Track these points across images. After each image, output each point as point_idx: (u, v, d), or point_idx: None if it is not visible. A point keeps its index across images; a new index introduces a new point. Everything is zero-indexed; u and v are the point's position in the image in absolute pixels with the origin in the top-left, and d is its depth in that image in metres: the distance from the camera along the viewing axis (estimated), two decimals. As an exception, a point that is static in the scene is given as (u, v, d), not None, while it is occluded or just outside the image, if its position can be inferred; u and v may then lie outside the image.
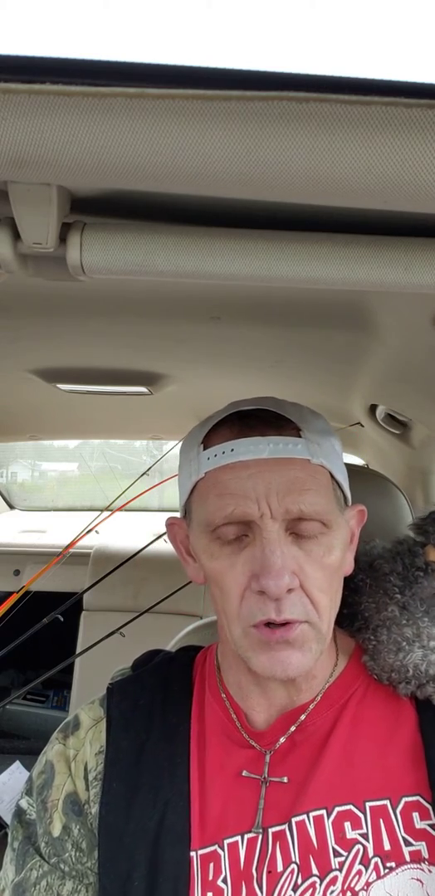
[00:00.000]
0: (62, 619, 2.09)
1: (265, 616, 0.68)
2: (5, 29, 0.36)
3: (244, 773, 0.75)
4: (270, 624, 0.68)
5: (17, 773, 2.12)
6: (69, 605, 2.13)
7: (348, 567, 0.77)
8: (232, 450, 0.71)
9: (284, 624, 0.68)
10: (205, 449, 0.74)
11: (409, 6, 0.37)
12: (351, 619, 0.85)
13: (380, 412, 1.73)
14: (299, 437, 0.72)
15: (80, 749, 0.81)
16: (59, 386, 1.68)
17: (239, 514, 0.69)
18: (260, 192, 0.48)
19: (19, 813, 0.81)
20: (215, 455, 0.72)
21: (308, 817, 0.71)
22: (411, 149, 0.42)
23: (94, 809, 0.76)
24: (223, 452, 0.71)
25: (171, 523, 0.82)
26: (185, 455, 0.78)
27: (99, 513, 2.60)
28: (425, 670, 0.74)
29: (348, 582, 0.87)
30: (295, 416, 0.74)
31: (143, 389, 1.72)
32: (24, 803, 0.81)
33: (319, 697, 0.77)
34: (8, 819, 1.97)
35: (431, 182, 0.44)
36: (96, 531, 2.62)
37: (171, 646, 1.07)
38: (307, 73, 0.37)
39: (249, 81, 0.38)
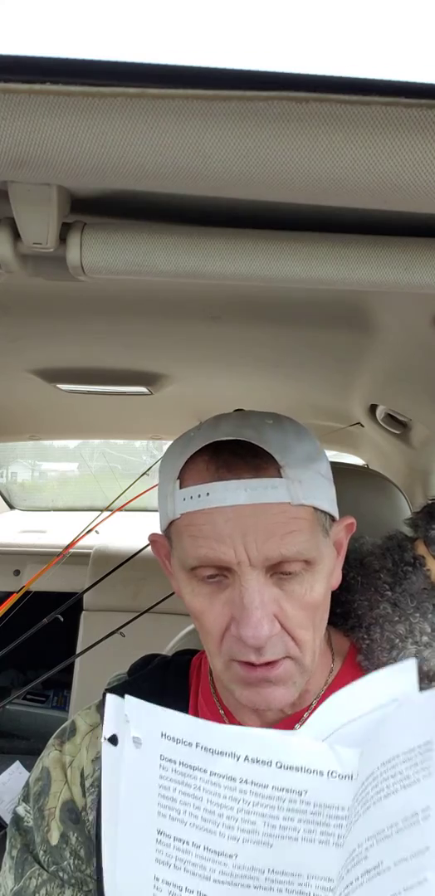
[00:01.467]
0: (62, 619, 2.08)
1: (245, 658, 0.67)
2: (5, 29, 0.36)
3: None
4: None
5: (16, 774, 2.12)
6: (69, 605, 2.13)
7: (336, 581, 0.76)
8: (208, 494, 0.68)
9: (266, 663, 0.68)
10: (180, 487, 0.71)
11: (409, 6, 0.37)
12: (344, 617, 0.84)
13: (380, 412, 1.73)
14: (280, 475, 0.68)
15: (76, 755, 0.80)
16: (59, 386, 1.68)
17: (214, 559, 0.67)
18: (260, 192, 0.48)
19: (17, 820, 0.80)
20: (191, 497, 0.69)
21: None
22: (411, 149, 0.42)
23: (92, 816, 0.76)
24: (199, 496, 0.68)
25: (153, 540, 0.81)
26: (162, 483, 0.75)
27: (99, 513, 2.59)
28: (419, 667, 0.74)
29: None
30: (276, 444, 0.69)
31: (143, 389, 1.72)
32: (21, 810, 0.81)
33: (314, 704, 0.77)
34: (7, 819, 1.97)
35: (431, 182, 0.44)
36: (96, 531, 2.62)
37: (168, 648, 1.07)
38: (307, 73, 0.37)
39: (249, 81, 0.38)
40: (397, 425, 1.76)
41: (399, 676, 0.64)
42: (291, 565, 0.67)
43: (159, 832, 0.60)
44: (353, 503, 0.81)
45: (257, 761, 0.58)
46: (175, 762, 0.60)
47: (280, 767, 0.58)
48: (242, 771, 0.58)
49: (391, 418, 1.74)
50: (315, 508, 0.70)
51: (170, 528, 0.74)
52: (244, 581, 0.66)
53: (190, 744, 0.59)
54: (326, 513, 0.72)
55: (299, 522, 0.68)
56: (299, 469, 0.69)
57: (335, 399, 1.84)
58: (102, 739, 0.63)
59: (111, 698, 0.64)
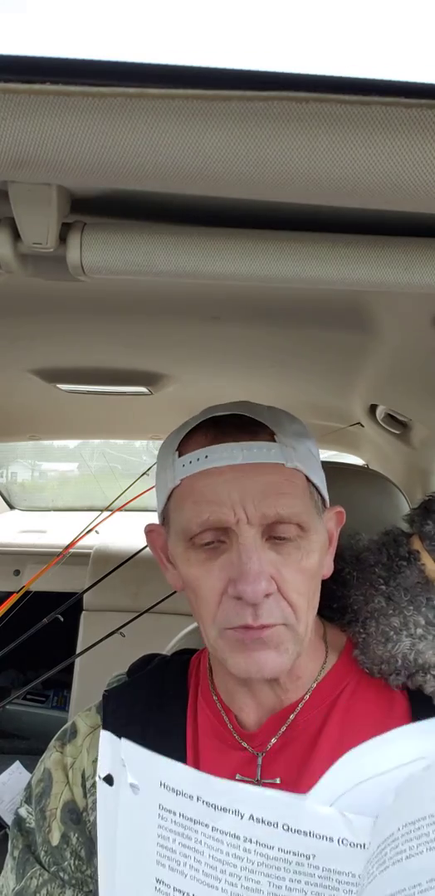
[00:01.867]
0: (62, 619, 2.08)
1: (242, 621, 0.68)
2: (5, 29, 0.36)
3: (238, 776, 0.75)
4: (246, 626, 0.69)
5: (16, 773, 2.12)
6: (69, 605, 2.13)
7: (327, 570, 0.77)
8: (206, 456, 0.71)
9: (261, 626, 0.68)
10: (180, 456, 0.74)
11: (409, 6, 0.37)
12: (341, 612, 0.85)
13: (380, 412, 1.73)
14: (274, 441, 0.72)
15: (77, 757, 0.81)
16: (59, 386, 1.68)
17: (215, 521, 0.69)
18: (260, 192, 0.48)
19: (19, 821, 0.81)
20: (190, 462, 0.72)
21: None
22: (411, 149, 0.42)
23: (93, 817, 0.76)
24: (198, 459, 0.72)
25: (149, 530, 0.82)
26: (161, 462, 0.78)
27: (99, 513, 2.59)
28: (414, 659, 0.75)
29: (336, 576, 0.87)
30: (270, 420, 0.74)
31: (143, 389, 1.72)
32: (23, 811, 0.81)
33: (307, 696, 0.77)
34: (7, 819, 1.97)
35: (431, 182, 0.44)
36: (96, 531, 2.62)
37: (168, 648, 1.07)
38: (307, 73, 0.37)
39: (249, 81, 0.38)
40: (397, 425, 1.76)
41: (429, 735, 0.61)
42: (286, 528, 0.70)
43: (158, 881, 0.58)
44: (353, 503, 0.82)
45: (263, 821, 0.56)
46: (175, 813, 0.58)
47: (287, 830, 0.56)
48: (246, 829, 0.56)
49: (391, 418, 1.74)
50: (308, 479, 0.73)
51: (169, 503, 0.75)
52: (242, 539, 0.68)
53: (191, 797, 0.58)
54: (317, 490, 0.75)
55: (293, 486, 0.71)
56: (292, 439, 0.73)
57: (335, 399, 1.84)
58: (97, 778, 0.62)
59: (106, 735, 0.63)
